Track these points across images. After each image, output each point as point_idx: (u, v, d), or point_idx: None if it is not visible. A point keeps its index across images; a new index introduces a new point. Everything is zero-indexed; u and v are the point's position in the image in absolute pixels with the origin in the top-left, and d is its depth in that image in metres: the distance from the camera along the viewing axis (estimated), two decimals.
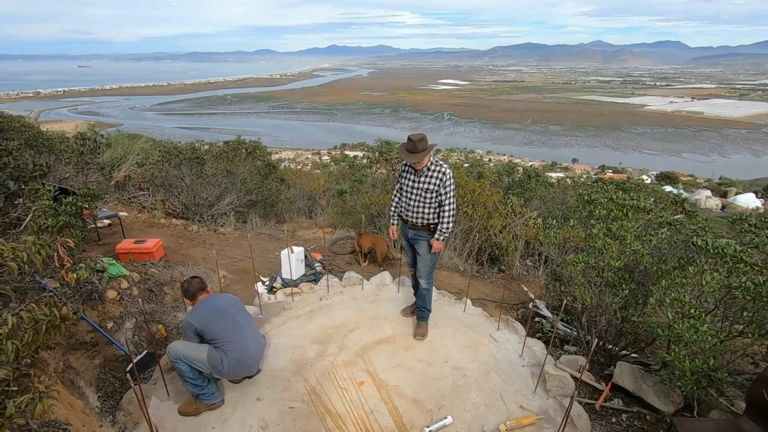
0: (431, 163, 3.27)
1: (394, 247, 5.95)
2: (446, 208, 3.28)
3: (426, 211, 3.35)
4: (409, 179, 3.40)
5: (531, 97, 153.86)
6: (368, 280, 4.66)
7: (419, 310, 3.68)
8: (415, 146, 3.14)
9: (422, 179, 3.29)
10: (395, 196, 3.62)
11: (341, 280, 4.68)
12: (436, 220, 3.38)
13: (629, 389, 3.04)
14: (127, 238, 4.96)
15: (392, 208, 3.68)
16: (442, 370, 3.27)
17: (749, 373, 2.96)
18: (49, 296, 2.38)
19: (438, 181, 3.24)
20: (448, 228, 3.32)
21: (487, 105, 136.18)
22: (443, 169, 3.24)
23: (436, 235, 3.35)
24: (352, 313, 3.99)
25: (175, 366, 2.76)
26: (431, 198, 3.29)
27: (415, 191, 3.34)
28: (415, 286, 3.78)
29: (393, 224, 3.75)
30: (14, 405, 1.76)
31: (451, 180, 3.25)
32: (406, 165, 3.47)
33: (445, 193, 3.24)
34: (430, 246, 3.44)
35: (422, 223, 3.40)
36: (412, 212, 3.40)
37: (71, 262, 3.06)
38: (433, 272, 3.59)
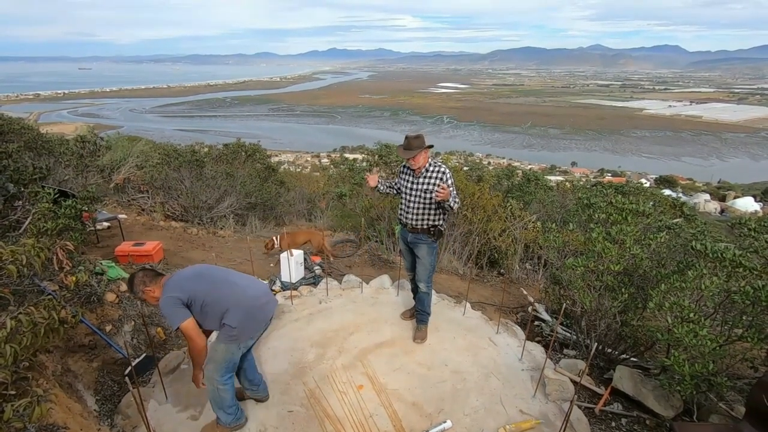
0: (429, 165, 3.29)
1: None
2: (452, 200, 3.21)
3: (426, 212, 3.34)
4: (407, 181, 3.41)
5: (530, 101, 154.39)
6: (367, 283, 4.66)
7: (418, 314, 3.67)
8: (410, 143, 3.19)
9: (420, 180, 3.30)
10: (393, 180, 3.65)
11: (340, 283, 4.67)
12: (436, 222, 3.37)
13: (629, 393, 3.03)
14: (127, 241, 4.96)
15: (388, 185, 3.61)
16: (441, 373, 3.26)
17: (749, 378, 2.96)
18: (48, 299, 2.38)
19: (438, 181, 3.23)
20: (456, 202, 3.25)
21: (487, 108, 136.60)
22: (442, 169, 3.26)
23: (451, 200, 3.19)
24: (351, 317, 3.99)
25: (218, 394, 2.46)
26: (430, 199, 3.28)
27: (414, 193, 3.34)
28: (414, 290, 3.77)
29: (373, 175, 3.52)
30: (12, 409, 1.75)
31: (452, 179, 3.28)
32: (404, 167, 3.47)
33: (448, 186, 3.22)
34: (430, 249, 3.44)
35: (421, 226, 3.39)
36: (412, 215, 3.39)
37: (70, 264, 3.06)
38: (432, 276, 3.59)
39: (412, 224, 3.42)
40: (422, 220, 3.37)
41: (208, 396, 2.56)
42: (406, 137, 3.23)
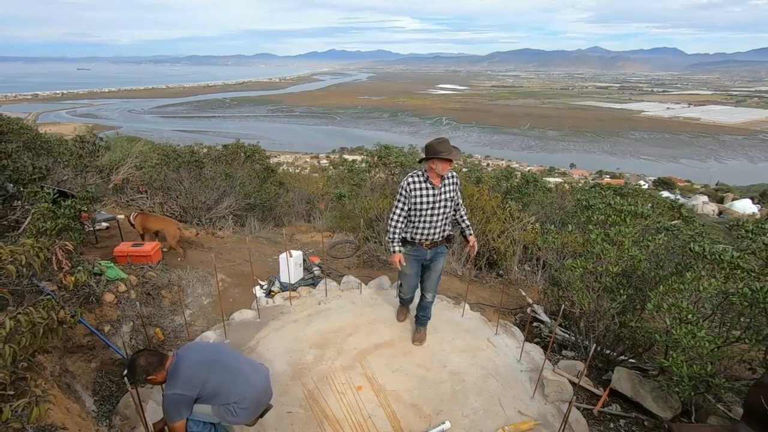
0: None
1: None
2: (462, 209, 3.31)
3: (447, 222, 3.27)
4: (428, 195, 3.07)
5: (529, 103, 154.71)
6: (366, 284, 4.66)
7: (420, 318, 3.66)
8: (449, 145, 2.93)
9: (442, 189, 3.11)
10: (399, 219, 3.15)
11: (339, 284, 4.67)
12: (450, 229, 3.35)
13: (627, 395, 3.04)
14: (125, 241, 4.94)
15: (394, 232, 3.17)
16: (440, 375, 3.26)
17: (747, 379, 2.97)
18: (47, 299, 2.38)
19: (455, 186, 3.20)
20: (466, 215, 3.38)
21: (486, 110, 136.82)
22: (454, 173, 3.19)
23: (468, 232, 3.33)
24: (350, 318, 3.99)
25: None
26: (451, 207, 3.21)
27: (437, 204, 3.10)
28: (404, 302, 3.83)
29: (399, 251, 3.18)
30: (10, 409, 1.75)
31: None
32: (417, 182, 3.08)
33: (460, 196, 3.28)
34: (444, 258, 3.41)
35: (442, 236, 3.29)
36: (438, 229, 3.19)
37: (69, 265, 3.05)
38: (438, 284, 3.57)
39: (433, 239, 3.22)
40: (444, 230, 3.27)
41: None
42: (441, 141, 2.95)
